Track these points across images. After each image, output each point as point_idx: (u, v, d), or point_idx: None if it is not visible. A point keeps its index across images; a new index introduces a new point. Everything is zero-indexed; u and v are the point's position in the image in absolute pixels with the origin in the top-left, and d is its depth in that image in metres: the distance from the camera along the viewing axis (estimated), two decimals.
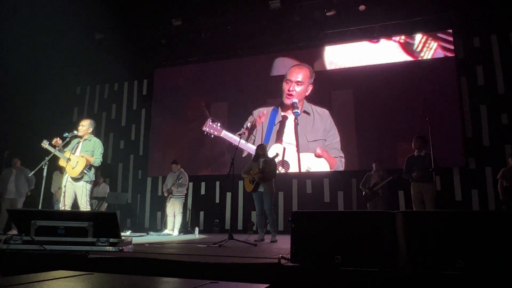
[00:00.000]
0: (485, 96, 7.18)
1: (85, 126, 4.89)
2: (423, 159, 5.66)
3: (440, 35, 7.61)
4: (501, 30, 7.26)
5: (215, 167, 8.73)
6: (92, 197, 7.99)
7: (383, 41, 7.99)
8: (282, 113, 8.43)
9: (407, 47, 7.81)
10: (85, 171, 4.71)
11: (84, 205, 4.68)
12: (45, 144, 4.70)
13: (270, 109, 8.56)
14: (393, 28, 7.89)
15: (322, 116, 8.12)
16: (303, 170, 8.00)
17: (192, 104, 9.25)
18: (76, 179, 4.70)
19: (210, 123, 8.90)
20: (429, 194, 5.54)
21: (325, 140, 7.98)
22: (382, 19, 7.76)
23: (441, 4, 7.34)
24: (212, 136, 8.83)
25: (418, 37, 7.77)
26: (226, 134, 8.70)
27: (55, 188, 7.92)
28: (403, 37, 7.86)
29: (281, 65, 8.70)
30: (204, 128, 8.93)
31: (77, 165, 4.67)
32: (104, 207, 8.20)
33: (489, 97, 7.14)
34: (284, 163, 8.10)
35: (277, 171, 6.01)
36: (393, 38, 7.93)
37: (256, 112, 8.65)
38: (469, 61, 7.39)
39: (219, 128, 8.81)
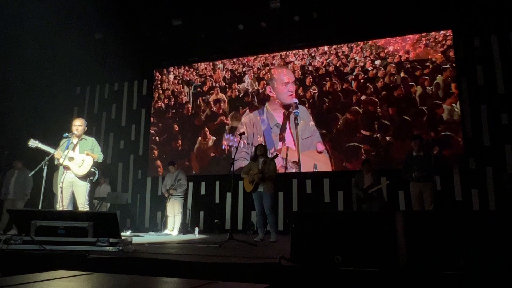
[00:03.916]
0: (485, 96, 7.18)
1: (82, 126, 4.86)
2: (422, 159, 5.67)
3: (440, 35, 7.62)
4: (501, 30, 7.26)
5: (215, 167, 8.73)
6: (93, 197, 8.06)
7: (384, 42, 8.02)
8: (277, 114, 8.42)
9: (407, 47, 7.81)
10: (93, 169, 4.73)
11: (83, 205, 4.66)
12: (34, 143, 4.58)
13: (257, 113, 8.57)
14: (393, 28, 7.89)
15: (304, 113, 8.21)
16: (310, 169, 7.98)
17: (192, 103, 9.25)
18: (82, 178, 4.67)
19: (232, 137, 8.64)
20: (428, 194, 5.55)
21: (312, 136, 8.02)
22: (382, 19, 7.75)
23: (441, 4, 7.33)
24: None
25: (440, 34, 7.70)
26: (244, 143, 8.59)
27: (57, 188, 7.93)
28: (404, 37, 7.88)
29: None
30: (230, 144, 8.66)
31: (83, 163, 4.66)
32: (106, 207, 8.19)
33: (489, 97, 7.14)
34: (291, 164, 8.07)
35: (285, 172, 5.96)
36: (394, 40, 7.95)
37: (246, 119, 8.63)
38: (469, 61, 7.39)
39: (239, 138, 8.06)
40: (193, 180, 8.82)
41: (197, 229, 6.95)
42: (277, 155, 5.84)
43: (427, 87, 7.48)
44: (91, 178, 4.75)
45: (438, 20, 7.56)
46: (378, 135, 7.61)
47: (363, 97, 7.87)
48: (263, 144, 7.68)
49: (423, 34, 7.73)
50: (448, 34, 7.57)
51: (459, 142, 7.11)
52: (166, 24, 8.54)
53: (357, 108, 7.86)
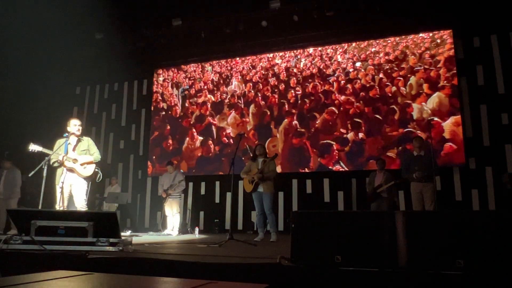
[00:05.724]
0: (485, 96, 7.18)
1: (81, 126, 4.86)
2: (423, 158, 5.66)
3: (439, 34, 7.63)
4: (501, 30, 7.25)
5: (202, 166, 8.75)
6: (103, 197, 8.14)
7: (382, 41, 8.04)
8: None
9: (407, 47, 7.83)
10: (97, 169, 4.76)
11: (83, 205, 4.65)
12: (34, 147, 4.51)
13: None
14: (393, 27, 7.89)
15: None
16: None
17: (180, 105, 9.31)
18: (84, 178, 4.67)
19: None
20: (429, 193, 5.55)
21: None
22: (382, 19, 7.75)
23: (441, 4, 7.33)
24: None
25: (418, 37, 7.78)
26: None
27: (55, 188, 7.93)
28: (403, 36, 7.90)
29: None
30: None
31: (87, 164, 4.68)
32: (114, 208, 8.18)
33: (489, 97, 7.14)
34: None
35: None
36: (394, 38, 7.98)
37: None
38: (469, 61, 7.39)
39: None
40: (193, 180, 8.83)
41: (197, 229, 6.95)
42: (276, 155, 5.83)
43: (401, 87, 7.63)
44: (96, 178, 4.76)
45: (438, 20, 7.56)
46: (351, 133, 7.78)
47: (342, 97, 8.02)
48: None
49: (402, 37, 7.86)
50: (426, 36, 7.69)
51: (459, 142, 7.12)
52: (166, 24, 8.53)
53: (333, 108, 8.03)
